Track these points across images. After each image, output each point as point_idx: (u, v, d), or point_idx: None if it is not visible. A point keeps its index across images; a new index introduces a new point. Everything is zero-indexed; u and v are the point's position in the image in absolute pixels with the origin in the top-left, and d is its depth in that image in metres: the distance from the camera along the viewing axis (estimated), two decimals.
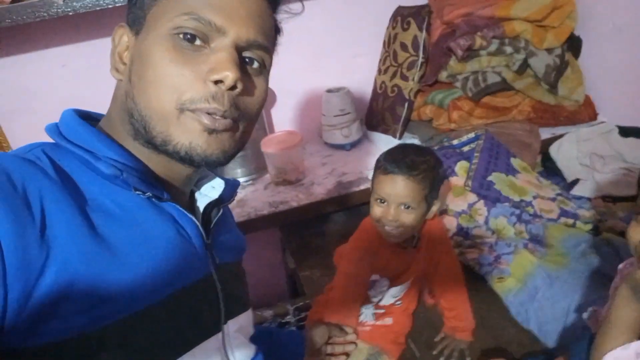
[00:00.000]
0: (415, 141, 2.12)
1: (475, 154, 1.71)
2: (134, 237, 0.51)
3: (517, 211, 1.55)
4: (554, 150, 1.96)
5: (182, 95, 0.51)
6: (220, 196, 0.67)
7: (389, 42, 2.13)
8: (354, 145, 2.13)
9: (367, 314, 1.24)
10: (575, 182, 1.82)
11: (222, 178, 0.69)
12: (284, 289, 2.15)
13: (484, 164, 1.67)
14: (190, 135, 0.53)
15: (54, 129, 0.55)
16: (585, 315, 1.07)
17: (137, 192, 0.53)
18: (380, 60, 2.20)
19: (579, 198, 1.69)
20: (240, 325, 0.67)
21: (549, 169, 1.94)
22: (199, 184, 0.69)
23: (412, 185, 1.02)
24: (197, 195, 0.69)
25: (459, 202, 1.61)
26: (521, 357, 1.21)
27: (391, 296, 1.22)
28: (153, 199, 0.55)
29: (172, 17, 0.51)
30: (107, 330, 0.46)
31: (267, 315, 1.71)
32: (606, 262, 1.34)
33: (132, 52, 0.55)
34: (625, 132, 1.91)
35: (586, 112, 2.06)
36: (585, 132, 1.97)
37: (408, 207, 1.03)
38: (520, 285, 1.38)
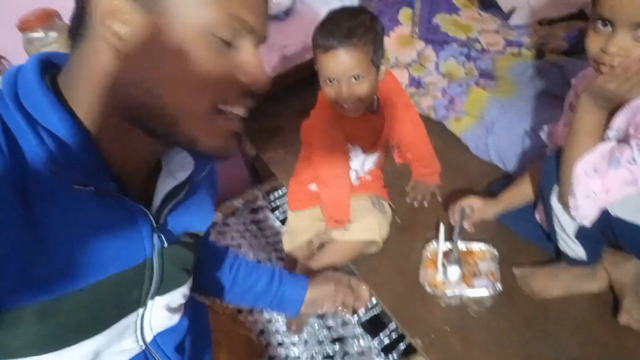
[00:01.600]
0: None
1: None
2: (66, 225, 0.48)
3: (465, 50, 1.55)
4: None
5: (220, 94, 0.49)
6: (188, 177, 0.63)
7: None
8: (288, 13, 1.97)
9: (351, 177, 1.26)
10: (512, 10, 1.81)
11: (193, 156, 0.63)
12: (245, 178, 2.15)
13: (427, 6, 1.61)
14: (218, 137, 0.52)
15: (11, 82, 0.49)
16: (542, 134, 1.13)
17: (77, 187, 0.48)
18: None
19: (519, 27, 1.70)
20: (170, 300, 0.64)
21: (485, 2, 1.90)
22: (166, 154, 0.63)
23: (356, 54, 0.96)
24: (163, 169, 0.62)
25: (408, 52, 1.58)
26: (487, 185, 1.30)
27: (371, 162, 1.24)
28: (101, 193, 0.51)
29: (212, 13, 0.46)
30: (25, 309, 0.46)
31: (238, 204, 1.72)
32: (553, 82, 1.40)
33: (140, 30, 0.46)
34: None
35: None
36: None
37: (359, 78, 0.98)
38: (476, 121, 1.44)
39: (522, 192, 1.15)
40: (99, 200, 0.50)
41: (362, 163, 1.21)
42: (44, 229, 0.46)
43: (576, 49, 1.51)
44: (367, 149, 1.18)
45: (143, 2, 0.46)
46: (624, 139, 0.83)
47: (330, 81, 1.00)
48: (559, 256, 1.07)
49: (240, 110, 0.52)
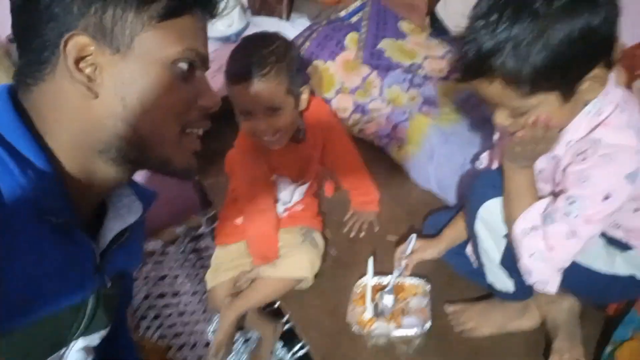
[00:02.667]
0: (304, 20, 1.98)
1: (364, 23, 1.62)
2: (24, 257, 0.49)
3: (409, 76, 1.53)
4: (440, 8, 1.90)
5: (185, 117, 0.57)
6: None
7: None
8: (239, 34, 1.94)
9: (279, 211, 1.20)
10: None
11: (139, 193, 0.67)
12: (195, 201, 2.08)
13: (373, 31, 1.59)
14: (186, 156, 0.59)
15: None
16: (478, 164, 1.09)
17: (50, 218, 0.50)
18: None
19: None
20: (90, 341, 0.65)
21: (438, 29, 1.89)
22: (114, 196, 0.65)
23: (268, 85, 0.90)
24: (110, 210, 0.63)
25: (353, 78, 1.55)
26: (426, 215, 1.26)
27: (300, 194, 1.19)
28: (62, 225, 0.52)
29: (175, 48, 0.53)
30: None
31: (179, 232, 1.65)
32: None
33: (115, 71, 0.52)
34: None
35: None
36: None
37: (275, 110, 0.93)
38: (418, 149, 1.40)
39: (463, 227, 1.11)
40: (58, 235, 0.52)
41: (290, 194, 1.16)
42: (2, 259, 0.46)
43: None
44: (295, 180, 1.13)
45: (111, 45, 0.51)
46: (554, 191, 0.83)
47: (245, 115, 0.94)
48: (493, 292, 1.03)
49: (200, 131, 0.60)
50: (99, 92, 0.51)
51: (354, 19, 1.72)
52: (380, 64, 1.54)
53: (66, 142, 0.53)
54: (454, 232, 1.12)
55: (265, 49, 0.92)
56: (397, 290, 1.11)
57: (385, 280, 1.11)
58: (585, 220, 0.75)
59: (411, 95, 1.51)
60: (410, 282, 1.12)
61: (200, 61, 0.57)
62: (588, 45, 0.67)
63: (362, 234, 1.28)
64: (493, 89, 0.72)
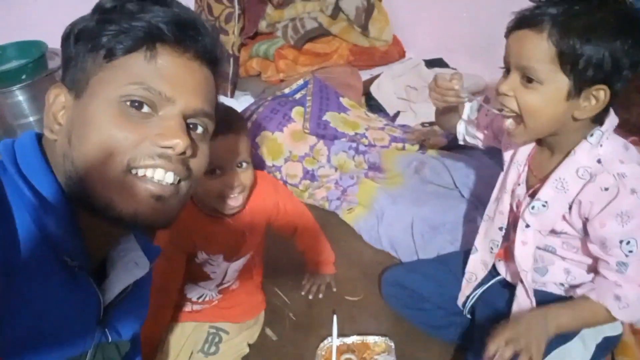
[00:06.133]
0: (248, 97, 2.07)
1: (308, 98, 1.73)
2: (39, 299, 0.49)
3: (354, 144, 1.62)
4: (374, 89, 2.09)
5: (129, 155, 0.51)
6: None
7: None
8: None
9: (210, 293, 1.12)
10: (397, 114, 1.98)
11: (144, 248, 0.65)
12: None
13: (317, 105, 1.69)
14: (136, 202, 0.52)
15: (9, 150, 0.53)
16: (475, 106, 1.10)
17: (66, 259, 0.50)
18: None
19: (403, 125, 1.84)
20: None
21: (373, 107, 2.06)
22: (123, 250, 0.64)
23: (240, 139, 0.93)
24: (117, 263, 0.62)
25: (301, 146, 1.62)
26: (381, 272, 1.27)
27: (233, 271, 1.12)
28: (75, 268, 0.52)
29: (121, 85, 0.51)
30: None
31: None
32: (435, 173, 1.49)
33: (71, 114, 0.54)
34: (430, 63, 2.13)
35: (396, 51, 2.24)
36: (397, 69, 2.15)
37: (243, 165, 0.94)
38: (367, 211, 1.46)
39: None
40: (69, 277, 0.51)
41: (222, 273, 1.09)
42: (17, 294, 0.46)
43: (454, 144, 1.64)
44: (228, 257, 1.07)
45: (75, 91, 0.54)
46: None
47: (214, 172, 0.92)
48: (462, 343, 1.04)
49: (158, 174, 0.53)
50: (57, 135, 0.54)
51: (298, 95, 1.83)
52: (327, 134, 1.62)
53: (65, 187, 0.54)
54: None
55: (229, 110, 0.96)
56: (360, 349, 1.08)
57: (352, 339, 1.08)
58: None
59: (357, 161, 1.59)
60: (374, 340, 1.11)
61: (164, 99, 0.53)
62: (623, 59, 0.72)
63: (320, 296, 1.26)
64: (534, 39, 0.74)
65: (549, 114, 0.78)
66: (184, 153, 0.53)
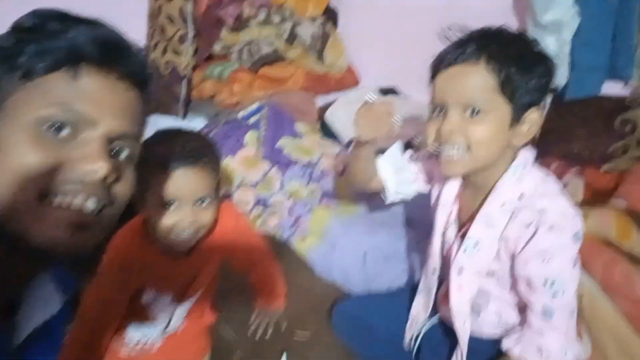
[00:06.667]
0: (201, 120, 2.01)
1: (262, 122, 1.70)
2: None
3: (308, 171, 1.60)
4: (328, 116, 2.08)
5: (45, 181, 0.48)
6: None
7: (154, 15, 1.93)
8: None
9: (152, 336, 1.03)
10: (351, 142, 1.97)
11: (60, 282, 0.61)
12: None
13: (272, 131, 1.67)
14: (52, 232, 0.49)
15: None
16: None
17: None
18: (147, 35, 1.99)
19: None
20: None
21: (328, 134, 2.05)
22: (32, 285, 0.59)
23: (206, 173, 0.85)
24: (25, 300, 0.58)
25: (254, 173, 1.58)
26: (332, 305, 1.24)
27: (180, 316, 1.04)
28: None
29: (38, 106, 0.48)
30: None
31: None
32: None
33: None
34: (384, 92, 2.16)
35: (350, 78, 2.26)
36: (352, 96, 2.15)
37: (204, 202, 0.86)
38: (319, 241, 1.43)
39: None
40: None
41: (168, 316, 1.01)
42: None
43: None
44: (177, 299, 1.00)
45: None
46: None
47: (168, 205, 0.84)
48: None
49: (77, 200, 0.50)
50: None
51: (252, 119, 1.80)
52: (280, 160, 1.59)
53: None
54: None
55: (198, 141, 0.88)
56: None
57: None
58: (570, 292, 0.77)
59: (311, 189, 1.57)
60: None
61: (86, 122, 0.50)
62: (547, 74, 0.78)
63: (268, 334, 1.19)
64: (473, 73, 0.76)
65: (496, 142, 0.79)
66: (106, 178, 0.51)
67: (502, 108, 0.77)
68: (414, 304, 1.04)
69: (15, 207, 0.48)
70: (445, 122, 0.80)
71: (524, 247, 0.79)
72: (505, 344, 0.84)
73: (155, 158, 0.82)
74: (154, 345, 1.04)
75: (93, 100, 0.50)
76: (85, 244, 0.52)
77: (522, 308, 0.86)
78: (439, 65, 0.81)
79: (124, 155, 0.55)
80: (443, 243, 0.96)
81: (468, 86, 0.77)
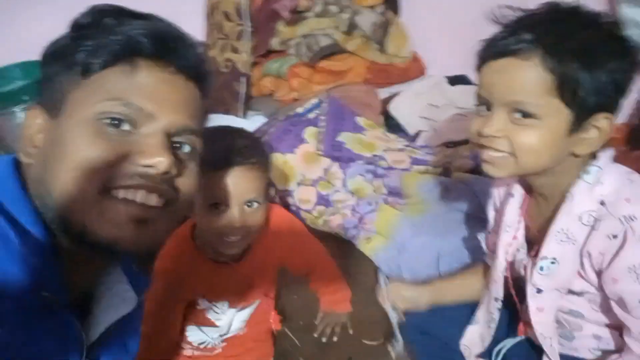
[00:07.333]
0: (261, 117, 1.98)
1: (322, 118, 1.63)
2: (14, 344, 0.46)
3: (372, 167, 1.51)
4: (393, 108, 1.98)
5: (107, 175, 0.49)
6: None
7: (211, 13, 1.92)
8: None
9: (214, 339, 1.00)
10: (417, 134, 1.86)
11: (132, 281, 0.62)
12: None
13: (332, 126, 1.59)
14: (116, 226, 0.49)
15: None
16: (482, 243, 0.98)
17: (46, 295, 0.48)
18: (206, 33, 1.99)
19: (425, 146, 1.72)
20: None
21: (392, 127, 1.94)
22: (108, 284, 0.61)
23: (256, 175, 0.81)
24: (101, 298, 0.59)
25: (314, 169, 1.51)
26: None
27: (240, 321, 1.01)
28: (54, 305, 0.50)
29: (97, 101, 0.49)
30: None
31: None
32: (462, 199, 1.36)
33: (47, 136, 0.52)
34: (452, 81, 2.01)
35: (416, 68, 2.14)
36: (418, 87, 2.04)
37: (252, 204, 0.82)
38: (387, 242, 1.33)
39: (462, 285, 0.99)
40: (49, 315, 0.49)
41: (228, 323, 0.98)
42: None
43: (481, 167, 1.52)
44: (233, 305, 0.96)
45: (52, 112, 0.52)
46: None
47: (216, 207, 0.81)
48: None
49: (140, 195, 0.50)
50: (33, 159, 0.52)
51: (311, 115, 1.73)
52: (342, 156, 1.51)
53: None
54: (444, 285, 1.00)
55: (248, 139, 0.85)
56: None
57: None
58: None
59: (375, 186, 1.47)
60: None
61: (145, 116, 0.50)
62: (626, 69, 0.63)
63: (335, 339, 1.13)
64: (524, 69, 0.63)
65: (549, 151, 0.67)
66: (167, 172, 0.51)
67: (558, 112, 0.64)
68: (467, 335, 0.93)
69: (79, 201, 0.48)
70: (488, 124, 0.67)
71: (610, 263, 0.66)
72: None
73: (210, 156, 0.75)
74: (215, 349, 1.02)
75: (150, 94, 0.51)
76: (149, 240, 0.52)
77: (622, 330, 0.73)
78: (487, 54, 0.68)
79: (185, 150, 0.55)
80: (512, 265, 0.84)
81: (518, 85, 0.64)
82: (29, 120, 0.53)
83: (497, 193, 0.90)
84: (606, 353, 0.77)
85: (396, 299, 0.99)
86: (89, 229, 0.49)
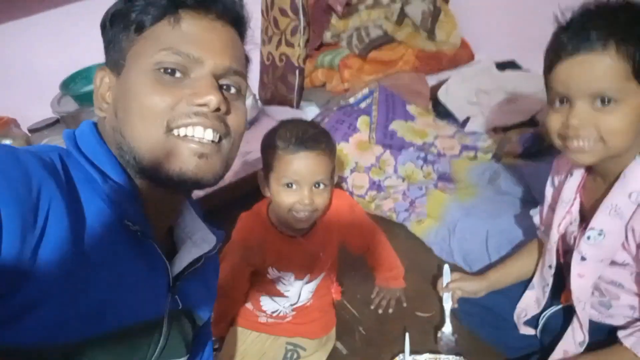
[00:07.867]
0: (313, 108, 2.08)
1: (374, 107, 1.71)
2: (108, 261, 0.52)
3: (422, 154, 1.58)
4: (442, 94, 2.02)
5: (167, 117, 0.55)
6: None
7: (267, 10, 2.03)
8: (252, 122, 2.02)
9: (285, 308, 1.13)
10: (467, 120, 1.90)
11: (212, 229, 0.69)
12: None
13: (383, 114, 1.67)
14: (180, 160, 0.55)
15: (71, 137, 0.58)
16: (535, 218, 1.06)
17: (128, 223, 0.54)
18: (262, 30, 2.10)
19: (475, 132, 1.77)
20: None
21: (441, 113, 1.99)
22: (190, 229, 0.69)
23: (324, 159, 0.93)
24: (187, 241, 0.68)
25: (367, 157, 1.60)
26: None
27: (308, 292, 1.13)
28: (138, 233, 0.56)
29: (152, 53, 0.55)
30: (49, 350, 0.47)
31: None
32: (511, 184, 1.41)
33: (115, 91, 0.58)
34: (501, 66, 2.03)
35: (464, 54, 2.16)
36: (467, 72, 2.07)
37: (320, 185, 0.94)
38: (438, 224, 1.41)
39: (515, 269, 1.09)
40: (135, 244, 0.55)
41: (297, 293, 1.10)
42: (93, 261, 0.49)
43: (531, 151, 1.55)
44: (300, 277, 1.07)
45: (116, 71, 0.58)
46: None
47: (289, 186, 0.93)
48: None
49: (198, 132, 0.55)
50: (106, 113, 0.59)
51: (363, 104, 1.81)
52: (393, 143, 1.59)
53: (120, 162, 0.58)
54: (499, 275, 1.10)
55: (315, 128, 0.97)
56: None
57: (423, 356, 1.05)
58: None
59: (426, 171, 1.54)
60: (447, 359, 1.06)
61: (193, 61, 0.56)
62: None
63: (390, 311, 1.23)
64: (603, 60, 0.68)
65: (633, 130, 0.72)
66: (218, 109, 0.56)
67: (636, 94, 0.69)
68: (524, 300, 1.02)
69: (149, 142, 0.55)
70: (572, 115, 0.73)
71: None
72: (621, 333, 0.80)
73: (280, 143, 0.92)
74: (286, 316, 1.14)
75: (195, 41, 0.56)
76: (208, 172, 0.57)
77: None
78: (560, 52, 0.73)
79: (232, 91, 0.60)
80: (564, 237, 0.91)
81: (596, 76, 0.70)
82: (98, 82, 0.60)
83: (556, 172, 0.96)
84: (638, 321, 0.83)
85: (456, 290, 1.11)
86: (159, 166, 0.55)
